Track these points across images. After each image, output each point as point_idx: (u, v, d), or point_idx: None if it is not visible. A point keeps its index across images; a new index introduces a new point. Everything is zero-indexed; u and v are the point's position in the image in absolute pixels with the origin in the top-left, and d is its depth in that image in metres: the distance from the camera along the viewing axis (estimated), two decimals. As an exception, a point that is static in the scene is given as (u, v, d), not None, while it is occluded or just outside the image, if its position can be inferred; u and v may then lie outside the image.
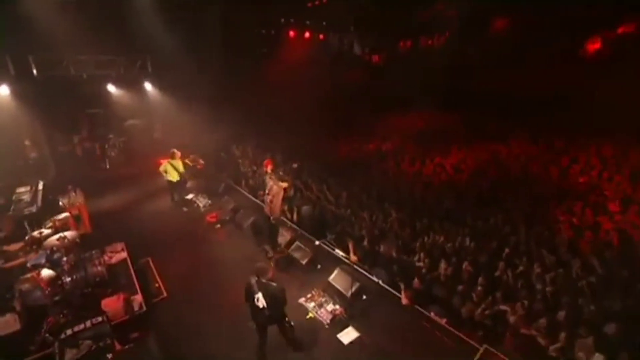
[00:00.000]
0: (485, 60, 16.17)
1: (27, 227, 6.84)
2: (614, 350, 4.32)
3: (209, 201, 9.34)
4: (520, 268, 5.88)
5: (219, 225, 8.25)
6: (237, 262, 6.71)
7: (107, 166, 11.49)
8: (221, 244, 7.58)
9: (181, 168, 8.96)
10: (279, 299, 4.19)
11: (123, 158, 12.04)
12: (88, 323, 3.98)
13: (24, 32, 9.07)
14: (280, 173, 10.58)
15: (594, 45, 13.55)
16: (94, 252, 5.57)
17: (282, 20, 15.34)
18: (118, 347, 4.05)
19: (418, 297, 5.49)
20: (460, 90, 16.15)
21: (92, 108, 12.13)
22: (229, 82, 14.72)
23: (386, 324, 5.01)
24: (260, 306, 4.08)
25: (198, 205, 9.27)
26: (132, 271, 5.88)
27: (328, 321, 5.03)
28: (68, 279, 4.96)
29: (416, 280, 5.50)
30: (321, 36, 16.63)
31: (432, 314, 5.12)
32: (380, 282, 5.71)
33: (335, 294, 5.50)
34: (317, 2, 12.92)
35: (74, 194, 7.79)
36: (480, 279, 5.69)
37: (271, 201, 6.29)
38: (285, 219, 7.85)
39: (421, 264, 6.30)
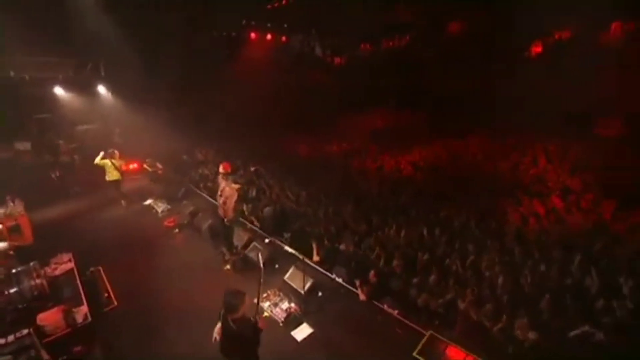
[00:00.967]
0: (443, 62, 16.85)
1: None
2: (546, 327, 4.66)
3: (168, 206, 9.08)
4: (471, 257, 6.18)
5: (177, 230, 8.01)
6: (195, 267, 6.58)
7: (57, 174, 10.84)
8: (179, 249, 7.38)
9: (117, 169, 8.96)
10: (240, 341, 3.52)
11: (75, 165, 11.40)
12: (11, 337, 3.74)
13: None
14: (239, 174, 10.55)
15: (537, 49, 14.56)
16: (31, 264, 5.23)
17: (244, 22, 15.23)
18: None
19: (374, 291, 5.63)
20: (420, 90, 16.73)
21: (39, 112, 11.40)
22: (190, 84, 14.41)
23: (340, 319, 5.09)
24: (281, 320, 4.11)
25: (156, 210, 9.00)
26: (78, 282, 5.58)
27: (282, 319, 5.03)
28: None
29: (372, 273, 5.61)
30: (283, 38, 16.67)
31: (385, 305, 5.27)
32: (336, 278, 5.78)
33: (290, 292, 5.51)
34: (276, 4, 12.90)
35: (12, 204, 7.31)
36: (433, 270, 5.93)
37: (224, 202, 6.21)
38: (244, 220, 7.77)
39: (377, 258, 6.46)
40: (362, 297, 5.53)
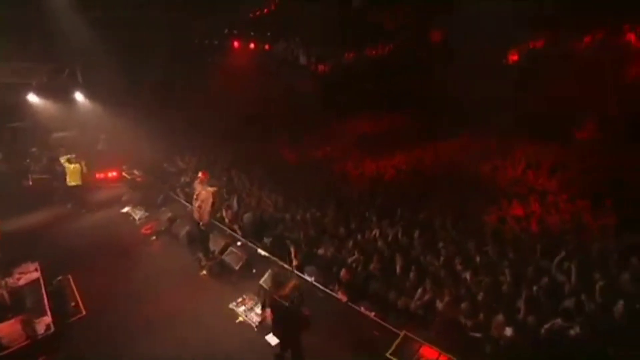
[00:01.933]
0: (425, 68, 17.15)
1: None
2: (522, 324, 4.66)
3: (146, 213, 8.93)
4: (448, 258, 6.16)
5: (154, 237, 7.85)
6: (171, 274, 6.44)
7: (30, 182, 10.49)
8: (155, 256, 7.22)
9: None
10: (291, 317, 3.71)
11: (49, 173, 11.04)
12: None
13: None
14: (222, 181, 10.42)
15: (513, 57, 14.98)
16: (-10, 275, 5.00)
17: (226, 30, 15.25)
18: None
19: (351, 292, 5.55)
20: (403, 96, 16.95)
21: (11, 120, 11.07)
22: (171, 92, 14.28)
23: (316, 321, 4.95)
24: (255, 324, 4.07)
25: (133, 217, 8.82)
26: (43, 291, 5.34)
27: (257, 324, 4.90)
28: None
29: (343, 272, 5.53)
30: (267, 46, 16.74)
31: (362, 308, 5.19)
32: (313, 280, 5.69)
33: (266, 296, 5.38)
34: (258, 13, 12.96)
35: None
36: (412, 271, 5.89)
37: (200, 207, 6.10)
38: (222, 226, 7.62)
39: (355, 261, 6.39)
40: (342, 298, 5.45)
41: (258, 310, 5.13)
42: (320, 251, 6.61)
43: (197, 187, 6.21)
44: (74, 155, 8.93)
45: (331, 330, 4.83)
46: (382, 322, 4.83)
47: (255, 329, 4.86)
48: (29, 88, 10.78)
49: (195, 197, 6.20)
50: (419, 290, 5.55)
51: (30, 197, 10.08)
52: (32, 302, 5.09)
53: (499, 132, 13.22)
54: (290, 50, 16.95)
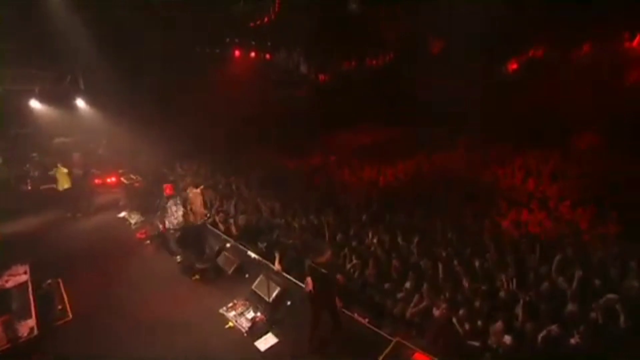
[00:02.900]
0: (425, 78, 17.24)
1: None
2: (521, 332, 4.49)
3: (142, 218, 8.89)
4: (446, 263, 6.02)
5: (148, 242, 7.77)
6: (163, 278, 6.34)
7: (29, 187, 10.51)
8: (148, 260, 7.13)
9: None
10: (328, 284, 4.09)
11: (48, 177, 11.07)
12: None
13: None
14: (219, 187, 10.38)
15: (512, 66, 15.07)
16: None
17: (227, 39, 15.46)
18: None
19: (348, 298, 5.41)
20: (403, 105, 17.02)
21: (13, 126, 11.16)
22: (172, 99, 14.39)
23: (308, 328, 4.83)
24: (245, 329, 4.20)
25: (129, 222, 8.78)
26: (30, 294, 5.24)
27: (247, 329, 4.76)
28: None
29: (339, 277, 5.40)
30: (267, 56, 16.94)
31: (356, 314, 5.04)
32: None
33: (258, 302, 5.25)
34: (259, 22, 13.14)
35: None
36: (409, 277, 5.75)
37: (191, 209, 6.07)
38: (216, 230, 7.51)
39: (352, 267, 6.26)
40: (338, 304, 5.31)
41: (249, 315, 5.00)
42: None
43: (189, 194, 6.21)
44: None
45: (322, 336, 4.68)
46: (375, 329, 4.67)
47: (245, 334, 4.71)
48: (31, 94, 10.89)
49: (187, 203, 6.20)
50: (416, 297, 5.42)
51: (28, 202, 10.08)
52: (18, 304, 4.98)
53: (498, 140, 13.20)
54: (291, 60, 17.14)
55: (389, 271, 6.07)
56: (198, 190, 6.15)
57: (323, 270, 4.01)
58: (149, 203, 9.68)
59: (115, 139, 12.78)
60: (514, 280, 5.30)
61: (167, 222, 6.55)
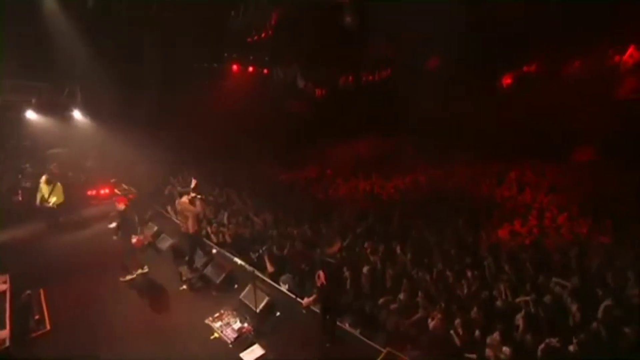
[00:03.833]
0: (423, 94, 17.43)
1: None
2: (520, 343, 4.30)
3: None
4: (441, 273, 5.84)
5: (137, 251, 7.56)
6: (150, 288, 6.09)
7: (20, 198, 10.35)
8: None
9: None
10: (339, 276, 4.23)
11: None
12: None
13: None
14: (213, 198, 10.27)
15: (507, 80, 15.26)
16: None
17: (225, 54, 15.69)
18: None
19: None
20: (400, 120, 17.13)
21: (8, 137, 11.12)
22: (169, 112, 14.45)
23: (297, 339, 4.62)
24: (230, 340, 4.18)
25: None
26: (7, 305, 5.03)
27: (232, 339, 4.53)
28: None
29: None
30: (265, 70, 17.17)
31: (347, 325, 4.84)
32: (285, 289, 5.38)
33: (245, 312, 5.04)
34: (256, 37, 13.36)
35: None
36: (403, 287, 5.56)
37: (185, 216, 5.94)
38: (207, 241, 7.34)
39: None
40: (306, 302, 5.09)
41: (235, 326, 4.78)
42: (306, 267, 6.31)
43: (180, 203, 6.11)
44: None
45: (311, 347, 4.50)
46: (367, 340, 4.46)
47: (230, 345, 4.49)
48: (28, 105, 10.89)
49: (179, 211, 6.09)
50: (410, 308, 5.23)
51: (18, 212, 9.89)
52: (-6, 315, 4.77)
53: (494, 154, 13.22)
54: (288, 74, 17.36)
55: (383, 282, 5.90)
56: (189, 197, 6.04)
57: (332, 261, 4.14)
58: (141, 214, 9.54)
59: (111, 150, 12.72)
60: (512, 290, 5.13)
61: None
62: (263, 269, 6.09)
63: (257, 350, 4.37)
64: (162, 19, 11.89)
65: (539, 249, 6.49)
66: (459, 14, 11.66)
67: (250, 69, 16.59)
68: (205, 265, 6.18)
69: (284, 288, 5.66)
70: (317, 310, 4.95)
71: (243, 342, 4.52)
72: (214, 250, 6.41)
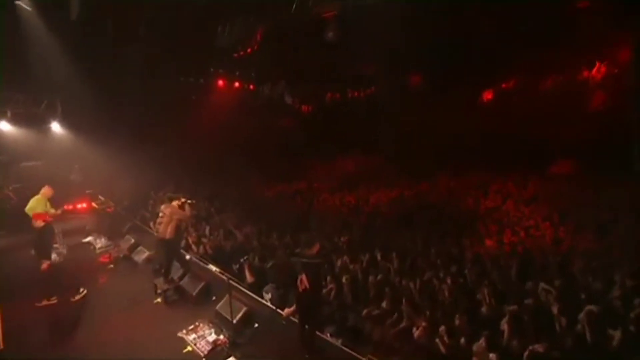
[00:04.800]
0: (405, 109, 17.79)
1: None
2: (506, 349, 4.17)
3: (109, 242, 8.35)
4: (425, 281, 5.73)
5: (111, 265, 7.25)
6: (121, 302, 5.74)
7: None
8: (108, 285, 6.57)
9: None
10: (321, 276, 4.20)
11: (11, 203, 10.44)
12: None
13: None
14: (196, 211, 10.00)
15: (487, 96, 15.77)
16: None
17: (211, 69, 15.77)
18: None
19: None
20: (385, 135, 17.38)
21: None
22: (153, 126, 14.29)
23: (275, 351, 4.38)
24: (204, 353, 3.98)
25: (94, 247, 8.22)
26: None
27: (206, 353, 4.26)
28: None
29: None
30: (251, 86, 17.30)
31: (329, 335, 4.63)
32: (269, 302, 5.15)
33: (222, 323, 4.78)
34: (242, 53, 13.47)
35: None
36: (385, 295, 5.41)
37: (160, 223, 5.70)
38: (185, 252, 7.06)
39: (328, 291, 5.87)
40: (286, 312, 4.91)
41: (210, 338, 4.51)
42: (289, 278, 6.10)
43: (165, 209, 5.90)
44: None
45: (292, 356, 4.25)
46: (349, 350, 4.26)
47: (204, 358, 4.21)
48: (2, 117, 10.57)
49: (160, 216, 5.85)
50: (394, 316, 5.06)
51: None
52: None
53: (478, 167, 13.46)
54: (274, 90, 17.52)
55: (366, 291, 5.74)
56: (177, 204, 5.87)
57: (315, 261, 4.07)
58: (118, 228, 9.22)
59: (94, 164, 12.39)
60: (496, 295, 5.04)
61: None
62: (243, 280, 5.86)
63: (231, 363, 4.11)
64: (147, 35, 11.93)
65: (522, 255, 6.46)
66: (441, 32, 12.09)
67: (237, 84, 16.67)
68: (182, 276, 5.89)
69: (266, 298, 5.43)
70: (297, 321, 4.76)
71: (218, 354, 4.25)
72: (188, 257, 6.12)
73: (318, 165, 16.37)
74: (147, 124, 14.27)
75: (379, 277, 5.82)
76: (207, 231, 8.62)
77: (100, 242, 8.32)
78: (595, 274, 5.39)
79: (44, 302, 5.71)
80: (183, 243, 7.17)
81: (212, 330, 4.65)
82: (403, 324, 4.98)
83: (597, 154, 10.50)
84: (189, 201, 6.27)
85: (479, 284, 5.45)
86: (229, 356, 4.21)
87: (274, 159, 16.41)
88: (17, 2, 9.63)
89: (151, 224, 9.58)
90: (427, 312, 4.89)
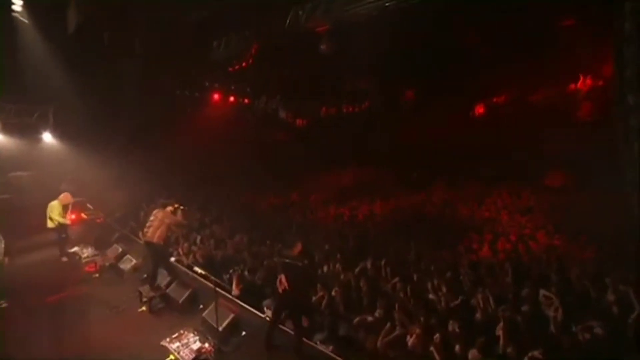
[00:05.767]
0: (399, 123, 18.00)
1: None
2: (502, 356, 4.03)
3: (95, 252, 8.16)
4: (419, 287, 5.60)
5: (97, 275, 7.03)
6: (104, 311, 5.54)
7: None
8: (92, 294, 6.28)
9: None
10: (304, 278, 4.06)
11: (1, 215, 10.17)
12: None
13: None
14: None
15: (480, 109, 16.02)
16: None
17: (207, 83, 15.90)
18: None
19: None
20: (380, 149, 17.51)
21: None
22: (148, 138, 14.24)
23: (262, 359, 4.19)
24: (280, 290, 3.86)
25: (80, 257, 7.99)
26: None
27: (189, 361, 4.06)
28: None
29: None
30: (246, 100, 17.42)
31: (319, 342, 4.45)
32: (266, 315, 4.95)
33: (208, 331, 4.58)
34: (237, 67, 13.62)
35: None
36: (378, 304, 5.26)
37: (150, 226, 5.58)
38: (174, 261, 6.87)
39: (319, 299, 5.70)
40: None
41: (194, 346, 4.31)
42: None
43: (157, 214, 5.81)
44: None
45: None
46: (338, 358, 4.09)
47: (186, 368, 4.00)
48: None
49: (151, 219, 5.74)
50: (387, 325, 4.90)
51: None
52: None
53: (472, 179, 13.53)
54: (269, 104, 17.66)
55: (358, 300, 5.58)
56: (170, 209, 5.79)
57: (297, 263, 3.98)
58: (106, 238, 9.01)
59: (85, 174, 12.22)
60: (491, 300, 4.91)
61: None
62: (231, 285, 5.68)
63: (216, 371, 3.91)
64: (143, 48, 12.06)
65: (517, 262, 6.37)
66: (435, 44, 12.33)
67: (232, 98, 16.79)
68: (168, 284, 5.70)
69: (268, 313, 5.17)
70: (289, 330, 4.57)
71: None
72: (172, 258, 5.95)
73: (312, 177, 16.33)
74: (141, 136, 14.19)
75: (372, 284, 5.68)
76: (197, 240, 8.45)
77: (86, 252, 8.10)
78: (592, 280, 5.29)
79: None
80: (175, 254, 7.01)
81: (197, 338, 4.45)
82: (396, 333, 4.82)
83: (589, 165, 10.59)
84: (181, 207, 6.21)
85: (474, 290, 5.33)
86: (213, 365, 4.01)
87: (268, 171, 16.36)
88: (13, 14, 9.74)
89: (140, 233, 9.43)
90: (422, 319, 4.74)
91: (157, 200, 11.83)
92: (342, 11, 8.99)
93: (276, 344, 4.34)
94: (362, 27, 10.06)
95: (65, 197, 8.16)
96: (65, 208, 8.22)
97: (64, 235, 8.10)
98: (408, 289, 5.48)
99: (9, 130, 10.73)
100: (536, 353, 3.97)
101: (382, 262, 6.38)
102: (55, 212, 7.82)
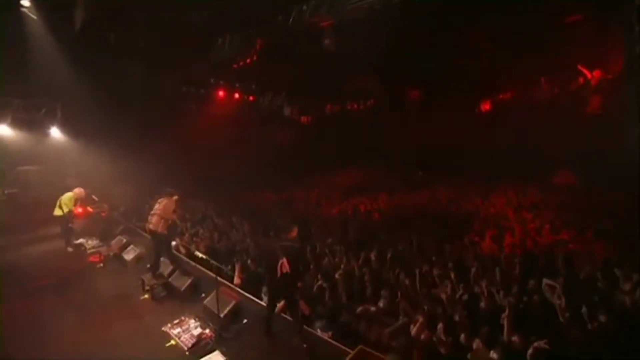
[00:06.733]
0: (404, 121, 17.90)
1: None
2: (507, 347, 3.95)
3: (100, 243, 8.22)
4: (423, 276, 5.52)
5: (101, 265, 7.07)
6: (108, 300, 5.57)
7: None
8: (97, 283, 6.35)
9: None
10: (301, 261, 4.21)
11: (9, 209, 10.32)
12: None
13: None
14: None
15: (485, 106, 15.86)
16: None
17: (212, 80, 15.99)
18: None
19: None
20: (384, 147, 17.43)
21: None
22: (153, 133, 14.35)
23: (263, 346, 4.15)
24: (187, 347, 3.98)
25: (85, 248, 8.05)
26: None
27: (189, 346, 4.03)
28: None
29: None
30: (251, 97, 17.47)
31: (319, 330, 4.41)
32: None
33: (209, 318, 4.56)
34: (242, 64, 13.67)
35: None
36: (382, 294, 5.20)
37: (153, 215, 5.60)
38: (176, 252, 6.88)
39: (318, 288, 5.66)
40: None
41: (195, 332, 4.29)
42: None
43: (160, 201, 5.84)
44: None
45: (278, 353, 4.04)
46: (338, 344, 4.05)
47: (187, 353, 3.99)
48: (2, 121, 10.61)
49: (154, 209, 5.77)
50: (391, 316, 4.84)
51: None
52: None
53: (477, 177, 13.39)
54: (274, 102, 17.68)
55: (361, 289, 5.52)
56: (174, 198, 5.83)
57: (295, 245, 4.16)
58: (112, 231, 9.06)
59: (91, 169, 12.35)
60: (498, 292, 4.82)
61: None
62: (233, 275, 5.66)
63: (216, 357, 3.88)
64: (148, 45, 12.17)
65: (524, 254, 6.26)
66: (440, 42, 12.26)
67: (237, 95, 16.85)
68: (171, 273, 5.70)
69: (265, 300, 5.17)
70: (289, 318, 4.53)
71: (202, 348, 4.02)
72: (174, 242, 5.97)
73: (316, 174, 16.31)
74: (147, 132, 14.31)
75: (375, 273, 5.62)
76: (200, 232, 8.48)
77: (91, 244, 8.17)
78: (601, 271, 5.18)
79: None
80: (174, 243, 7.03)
81: (198, 324, 4.43)
82: (400, 322, 4.76)
83: (595, 162, 10.44)
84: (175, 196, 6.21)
85: (480, 279, 5.25)
86: (214, 350, 3.99)
87: (273, 168, 16.38)
88: (22, 9, 9.88)
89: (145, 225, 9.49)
90: (425, 307, 4.67)
91: (164, 189, 12.01)
92: (346, 6, 9.02)
93: (275, 331, 4.31)
94: (366, 24, 10.07)
95: (80, 191, 8.55)
96: (76, 201, 8.53)
97: (70, 225, 8.21)
98: (412, 279, 5.41)
99: (17, 124, 10.88)
100: (542, 343, 3.88)
101: (388, 255, 6.31)
102: (68, 201, 8.07)
